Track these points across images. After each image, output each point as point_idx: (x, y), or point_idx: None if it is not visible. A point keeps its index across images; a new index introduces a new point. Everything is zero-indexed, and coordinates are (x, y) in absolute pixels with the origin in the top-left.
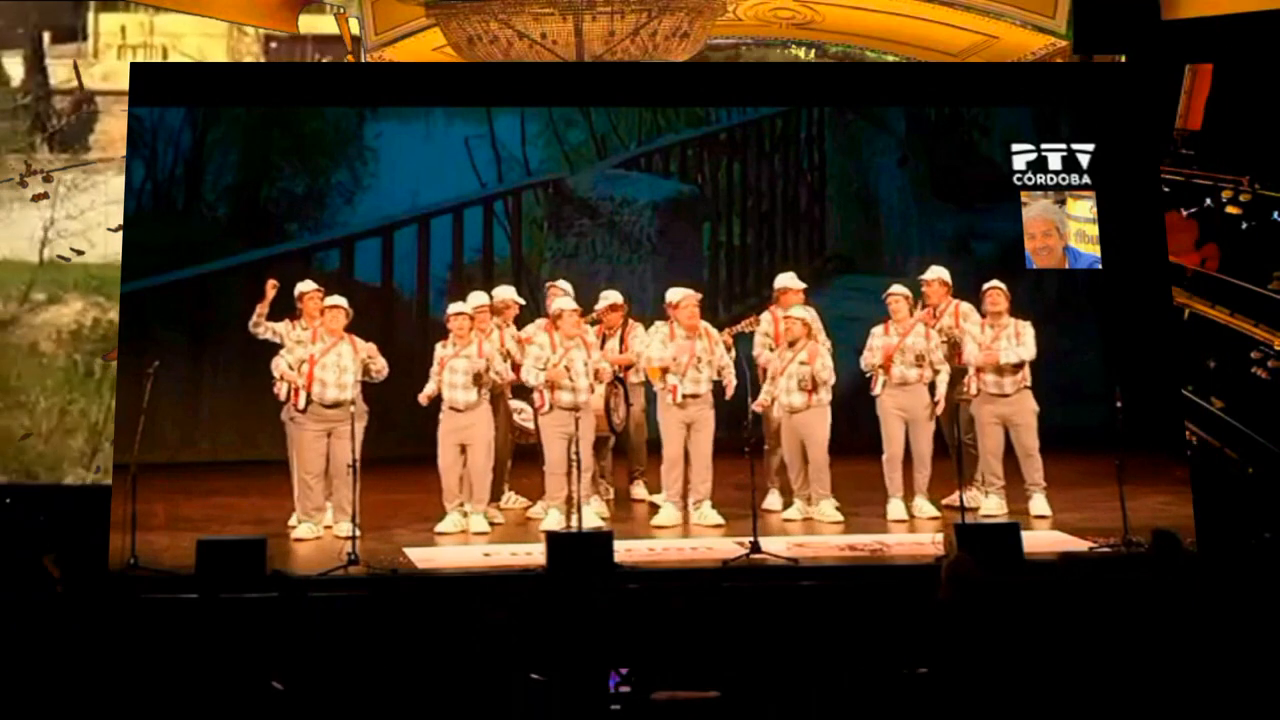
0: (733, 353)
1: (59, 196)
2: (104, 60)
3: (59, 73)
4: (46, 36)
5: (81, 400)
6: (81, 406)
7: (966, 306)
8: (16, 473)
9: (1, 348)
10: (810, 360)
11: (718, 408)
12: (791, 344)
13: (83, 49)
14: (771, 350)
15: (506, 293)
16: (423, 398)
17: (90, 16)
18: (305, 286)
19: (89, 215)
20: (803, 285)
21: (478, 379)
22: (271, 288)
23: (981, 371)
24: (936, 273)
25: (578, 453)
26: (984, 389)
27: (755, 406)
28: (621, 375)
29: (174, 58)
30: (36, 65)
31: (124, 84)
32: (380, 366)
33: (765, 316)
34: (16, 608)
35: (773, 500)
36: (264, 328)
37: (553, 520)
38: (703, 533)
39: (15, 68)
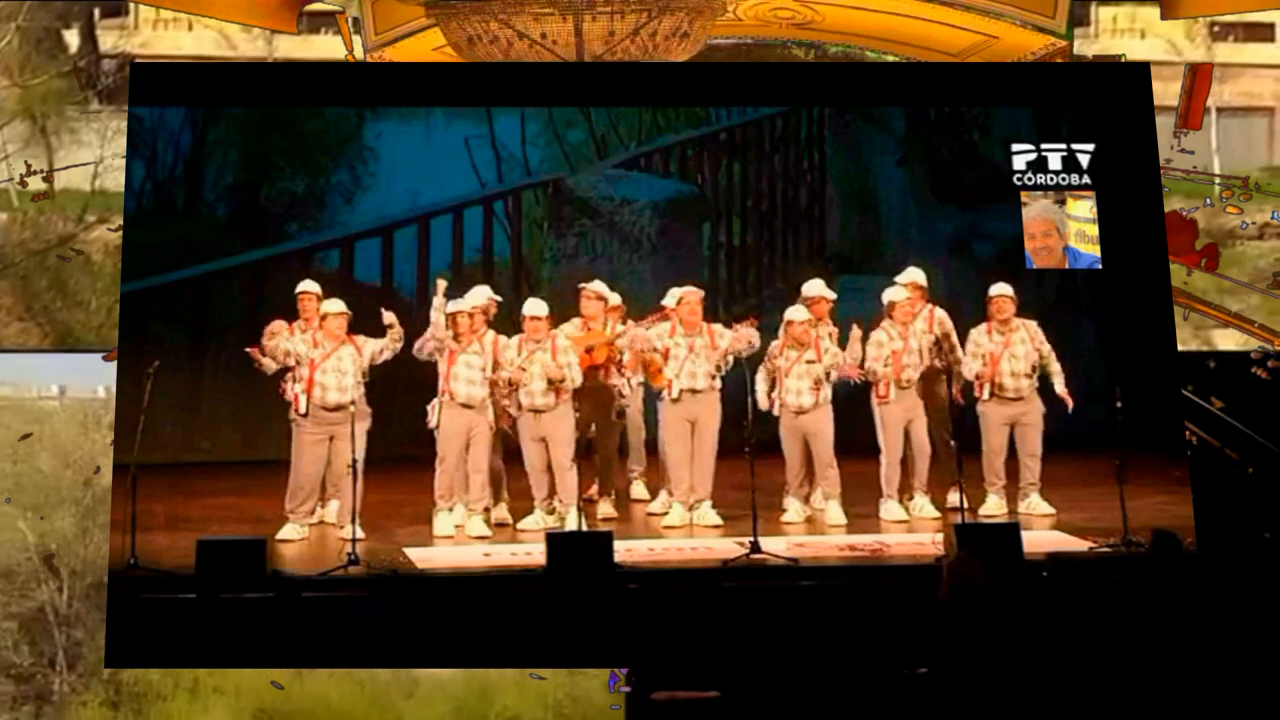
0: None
1: (106, 139)
2: (142, 32)
3: (105, 41)
4: (97, 12)
5: None
6: None
7: (942, 313)
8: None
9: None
10: (818, 358)
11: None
12: (799, 345)
13: (125, 22)
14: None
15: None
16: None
17: None
18: (306, 286)
19: None
20: (833, 295)
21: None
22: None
23: (995, 375)
24: (911, 275)
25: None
26: (999, 393)
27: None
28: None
29: (197, 28)
30: (89, 35)
31: (159, 50)
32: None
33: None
34: None
35: (795, 512)
36: (266, 362)
37: (532, 522)
38: (703, 533)
39: (72, 38)
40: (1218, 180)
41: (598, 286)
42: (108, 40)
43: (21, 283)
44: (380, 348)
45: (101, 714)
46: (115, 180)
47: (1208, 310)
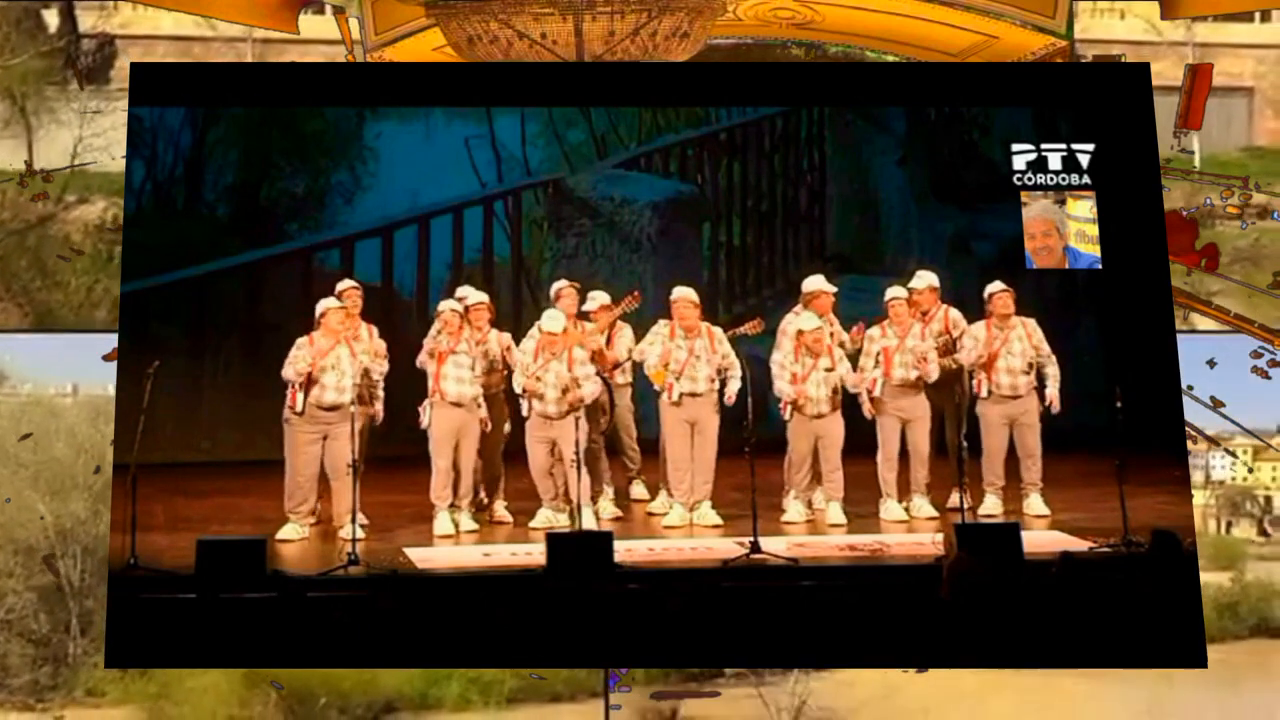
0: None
1: (87, 119)
2: (122, 11)
3: (85, 21)
4: None
5: (105, 280)
6: (105, 285)
7: (956, 314)
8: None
9: (42, 239)
10: (834, 365)
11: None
12: (812, 354)
13: (104, 2)
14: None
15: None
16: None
17: None
18: (327, 304)
19: (110, 134)
20: (833, 289)
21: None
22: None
23: (992, 372)
24: (926, 279)
25: (576, 454)
26: (996, 390)
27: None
28: (607, 375)
29: (177, 12)
30: (68, 15)
31: (139, 30)
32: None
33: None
34: None
35: (795, 513)
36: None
37: (540, 520)
38: (703, 533)
39: (52, 17)
40: (1196, 171)
41: (569, 286)
42: (87, 20)
43: (0, 262)
44: (373, 370)
45: (110, 674)
46: (94, 159)
47: (1208, 310)
